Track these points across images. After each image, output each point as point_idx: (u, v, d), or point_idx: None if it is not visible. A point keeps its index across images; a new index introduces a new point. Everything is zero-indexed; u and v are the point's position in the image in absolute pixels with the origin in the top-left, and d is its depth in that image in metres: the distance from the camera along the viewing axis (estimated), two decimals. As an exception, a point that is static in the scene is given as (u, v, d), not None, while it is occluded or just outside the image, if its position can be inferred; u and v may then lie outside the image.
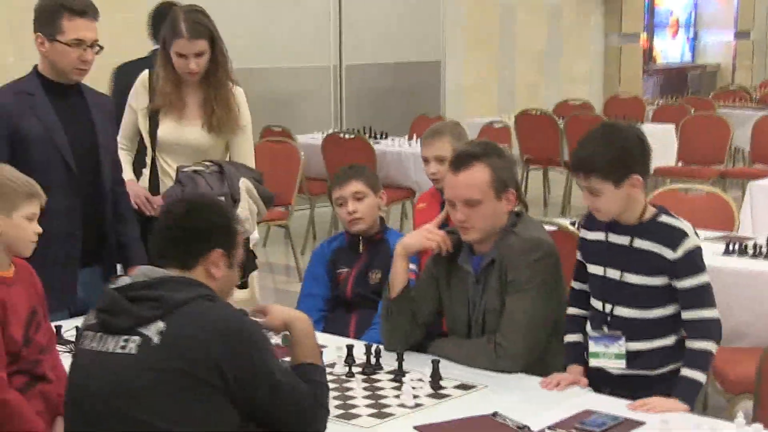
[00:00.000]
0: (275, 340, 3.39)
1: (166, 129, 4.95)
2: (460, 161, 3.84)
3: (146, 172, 5.12)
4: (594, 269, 3.65)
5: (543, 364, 3.77)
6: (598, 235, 3.64)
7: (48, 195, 4.16)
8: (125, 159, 5.06)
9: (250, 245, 4.94)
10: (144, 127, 4.98)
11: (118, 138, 5.06)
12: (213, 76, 4.93)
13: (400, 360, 3.66)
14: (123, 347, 2.84)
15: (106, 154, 4.45)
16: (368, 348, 3.73)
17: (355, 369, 3.70)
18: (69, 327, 4.06)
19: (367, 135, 10.36)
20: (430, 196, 4.96)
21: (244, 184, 4.83)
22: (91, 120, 4.42)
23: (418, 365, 3.66)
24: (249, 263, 4.91)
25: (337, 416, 3.30)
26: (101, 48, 4.41)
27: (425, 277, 4.07)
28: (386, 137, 10.46)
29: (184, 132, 4.94)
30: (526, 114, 11.81)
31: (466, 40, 14.31)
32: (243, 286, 5.05)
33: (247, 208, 4.81)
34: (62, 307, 4.32)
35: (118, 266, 4.69)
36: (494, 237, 3.85)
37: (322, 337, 3.76)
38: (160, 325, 2.82)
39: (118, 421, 2.82)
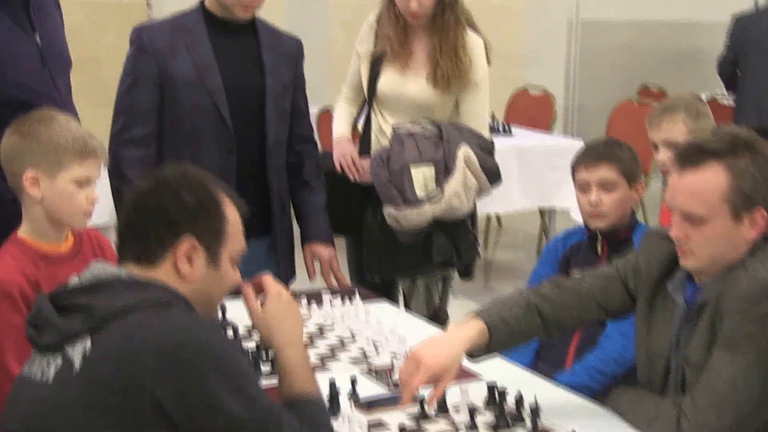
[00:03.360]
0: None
1: (387, 80, 3.90)
2: (688, 157, 2.48)
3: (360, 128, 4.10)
4: None
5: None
6: None
7: (198, 149, 3.29)
8: (345, 111, 4.09)
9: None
10: (365, 75, 3.96)
11: (343, 87, 4.08)
12: (440, 19, 3.80)
13: (534, 419, 2.46)
14: (42, 372, 1.98)
15: (274, 105, 3.46)
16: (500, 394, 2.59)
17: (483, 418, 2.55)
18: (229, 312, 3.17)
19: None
20: None
21: (464, 151, 3.70)
22: (261, 64, 3.45)
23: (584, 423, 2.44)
24: (469, 249, 3.81)
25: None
26: None
27: (613, 273, 2.77)
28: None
29: (407, 85, 3.86)
30: None
31: None
32: (466, 273, 3.94)
33: (461, 181, 3.68)
34: None
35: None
36: (722, 267, 2.49)
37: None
38: (87, 343, 1.93)
39: None
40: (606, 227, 3.37)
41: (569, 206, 6.72)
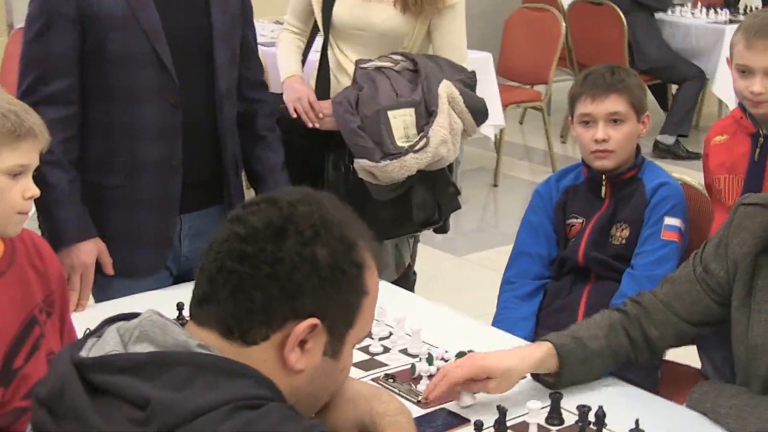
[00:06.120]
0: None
1: (346, 6, 3.19)
2: None
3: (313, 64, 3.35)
4: None
5: None
6: None
7: (134, 105, 2.57)
8: (292, 45, 3.37)
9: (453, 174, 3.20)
10: (317, 3, 3.20)
11: (286, 18, 3.36)
12: None
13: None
14: None
15: (223, 45, 2.73)
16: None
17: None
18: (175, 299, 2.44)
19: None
20: (733, 125, 2.98)
21: (446, 89, 3.03)
22: None
23: None
24: (450, 201, 3.17)
25: None
26: None
27: (690, 271, 2.27)
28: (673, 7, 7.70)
29: (370, 11, 3.16)
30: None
31: None
32: (443, 229, 3.30)
33: (447, 125, 3.01)
34: (156, 269, 2.72)
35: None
36: None
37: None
38: None
39: None
40: (611, 167, 2.85)
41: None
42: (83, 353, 1.34)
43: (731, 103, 6.59)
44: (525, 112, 8.01)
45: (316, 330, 1.37)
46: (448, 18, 3.15)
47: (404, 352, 2.33)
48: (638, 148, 2.92)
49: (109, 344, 1.34)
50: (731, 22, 7.15)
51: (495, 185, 6.62)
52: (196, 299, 1.40)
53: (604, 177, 2.88)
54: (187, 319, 2.35)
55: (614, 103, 2.82)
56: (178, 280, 2.78)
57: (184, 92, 2.65)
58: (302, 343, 1.37)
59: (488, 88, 6.19)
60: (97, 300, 2.69)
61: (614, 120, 2.82)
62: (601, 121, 2.82)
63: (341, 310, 1.40)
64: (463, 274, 5.20)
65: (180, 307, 2.42)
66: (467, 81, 3.11)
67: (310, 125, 3.14)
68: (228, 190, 2.79)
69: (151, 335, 1.34)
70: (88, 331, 2.13)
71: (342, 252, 1.39)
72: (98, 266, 2.65)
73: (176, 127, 2.65)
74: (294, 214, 1.38)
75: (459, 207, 3.25)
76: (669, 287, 2.26)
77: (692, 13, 7.46)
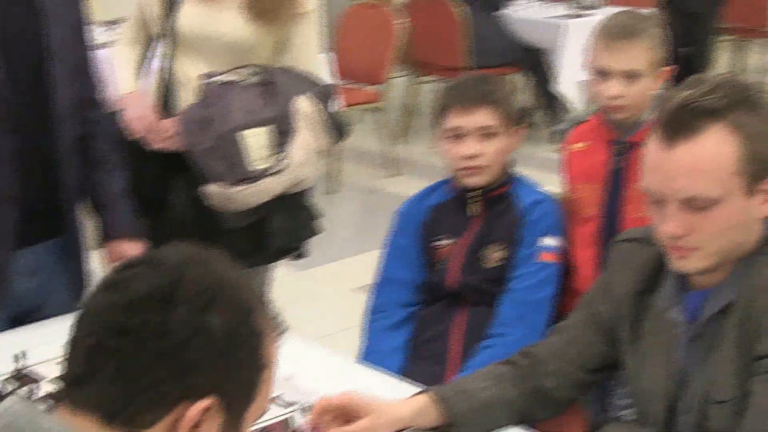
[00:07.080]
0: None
1: (189, 15, 3.01)
2: (678, 123, 1.81)
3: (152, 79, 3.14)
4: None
5: None
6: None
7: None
8: (128, 57, 3.17)
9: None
10: (157, 8, 3.06)
11: (123, 25, 3.19)
12: None
13: None
14: None
15: (61, 60, 2.52)
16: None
17: None
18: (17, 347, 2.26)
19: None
20: (592, 131, 2.94)
21: (303, 104, 2.89)
22: (36, 2, 2.47)
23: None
24: (309, 226, 3.06)
25: None
26: None
27: (581, 316, 2.17)
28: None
29: (216, 19, 2.99)
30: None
31: None
32: (300, 255, 3.19)
33: (306, 144, 2.87)
34: None
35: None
36: (732, 263, 1.90)
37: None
38: None
39: None
40: (484, 183, 2.77)
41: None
42: None
43: (576, 101, 6.71)
44: (360, 114, 7.94)
45: (212, 412, 1.23)
46: (302, 27, 3.00)
47: (278, 401, 2.19)
48: (511, 162, 2.85)
49: None
50: (568, 16, 7.21)
51: (332, 193, 6.52)
52: (70, 379, 1.23)
53: (472, 194, 2.80)
54: (27, 372, 2.19)
55: (484, 116, 2.73)
56: (15, 321, 2.57)
57: (17, 115, 2.43)
58: (196, 425, 1.23)
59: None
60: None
61: (485, 134, 2.74)
62: (471, 136, 2.74)
63: (240, 386, 1.28)
64: (306, 289, 5.05)
65: (18, 357, 2.22)
66: (324, 94, 2.98)
67: (154, 146, 2.96)
68: (68, 221, 2.60)
69: (17, 428, 1.17)
70: None
71: (239, 320, 1.26)
72: None
73: (8, 155, 2.43)
74: (183, 278, 1.24)
75: (320, 231, 3.12)
76: (559, 336, 2.17)
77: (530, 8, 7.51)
